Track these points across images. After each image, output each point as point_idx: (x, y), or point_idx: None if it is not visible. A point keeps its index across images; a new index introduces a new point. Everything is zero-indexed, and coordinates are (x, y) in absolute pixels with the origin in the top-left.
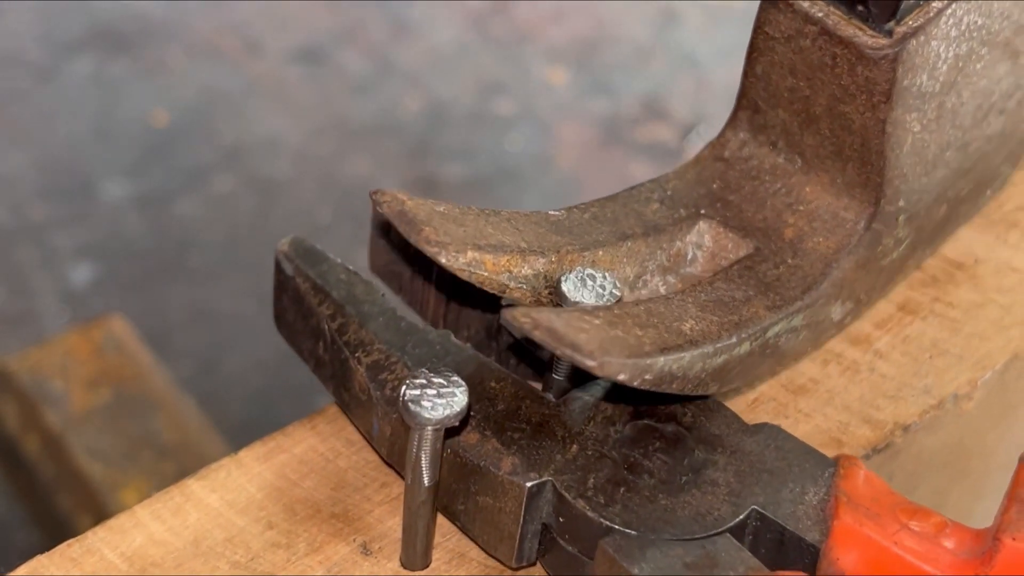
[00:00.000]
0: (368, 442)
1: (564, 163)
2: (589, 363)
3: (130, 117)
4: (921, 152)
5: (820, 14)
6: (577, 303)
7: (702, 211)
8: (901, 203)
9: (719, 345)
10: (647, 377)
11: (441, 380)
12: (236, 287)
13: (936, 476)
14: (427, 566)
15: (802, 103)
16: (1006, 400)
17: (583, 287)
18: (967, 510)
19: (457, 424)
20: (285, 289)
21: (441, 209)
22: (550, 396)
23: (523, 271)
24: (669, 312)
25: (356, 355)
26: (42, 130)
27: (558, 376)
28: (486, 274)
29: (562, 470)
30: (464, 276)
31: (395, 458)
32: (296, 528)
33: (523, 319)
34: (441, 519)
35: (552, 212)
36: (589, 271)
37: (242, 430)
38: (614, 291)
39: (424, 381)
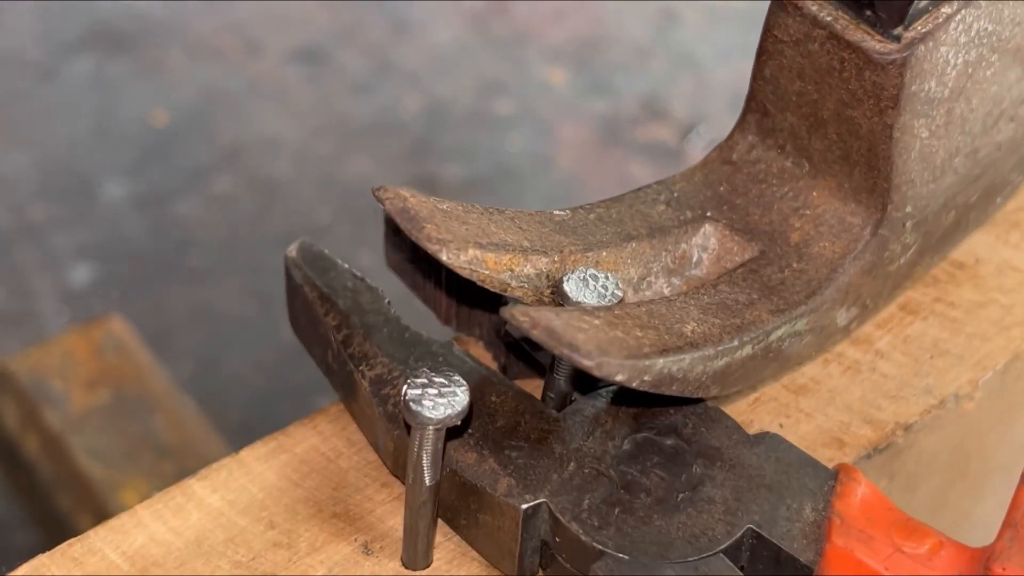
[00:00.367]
0: (376, 453)
1: (564, 163)
2: (587, 363)
3: (130, 117)
4: (929, 158)
5: (828, 18)
6: (579, 303)
7: (708, 213)
8: (908, 209)
9: (720, 348)
10: (646, 378)
11: (442, 380)
12: (236, 287)
13: (937, 476)
14: (428, 566)
15: (810, 107)
16: (1007, 400)
17: (585, 287)
18: (967, 510)
19: (459, 423)
20: (295, 296)
21: (444, 207)
22: (552, 411)
23: (525, 270)
24: (671, 314)
25: (360, 368)
26: (42, 130)
27: (559, 377)
28: (487, 272)
29: (558, 491)
30: (465, 274)
31: (400, 471)
32: (297, 528)
33: (522, 318)
34: (442, 519)
35: (556, 212)
36: (591, 271)
37: (242, 430)
38: (616, 292)
39: (425, 380)
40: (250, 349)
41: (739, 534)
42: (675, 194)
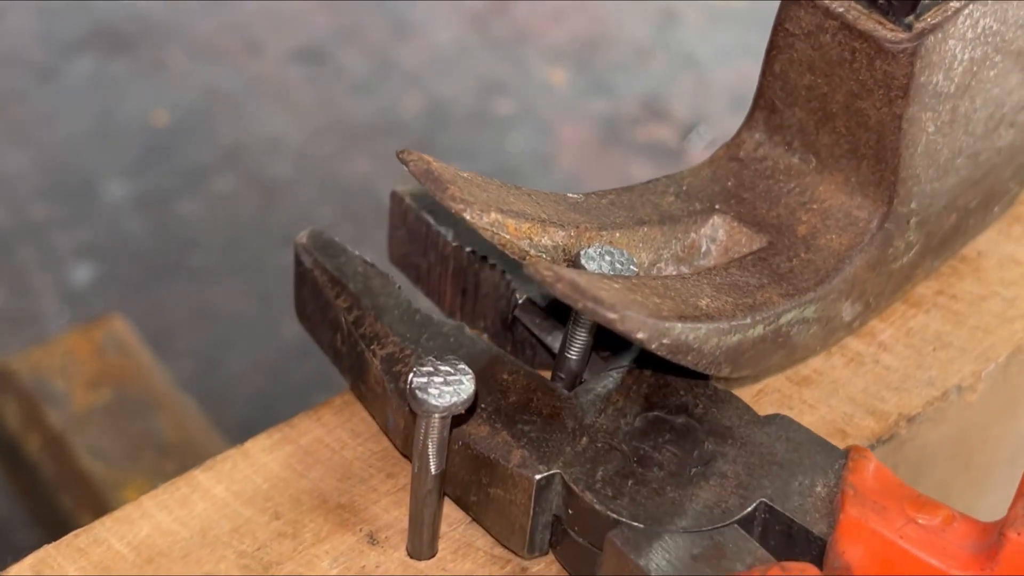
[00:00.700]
0: (385, 434)
1: (564, 163)
2: (611, 315)
3: (130, 117)
4: (934, 155)
5: (841, 9)
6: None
7: (717, 206)
8: (913, 205)
9: (734, 323)
10: (664, 341)
11: (448, 368)
12: (236, 287)
13: (940, 468)
14: (433, 555)
15: (819, 100)
16: (1010, 392)
17: (601, 261)
18: (971, 502)
19: (464, 412)
20: (304, 281)
21: (465, 175)
22: (562, 389)
23: (543, 240)
24: (685, 289)
25: (371, 348)
26: (42, 130)
27: (571, 355)
28: (508, 237)
29: (571, 462)
30: (487, 236)
31: (410, 450)
32: (302, 518)
33: (546, 271)
34: (447, 508)
35: (571, 194)
36: (607, 247)
37: (243, 430)
38: (632, 267)
39: (431, 369)
40: (250, 349)
41: (752, 507)
42: (684, 187)
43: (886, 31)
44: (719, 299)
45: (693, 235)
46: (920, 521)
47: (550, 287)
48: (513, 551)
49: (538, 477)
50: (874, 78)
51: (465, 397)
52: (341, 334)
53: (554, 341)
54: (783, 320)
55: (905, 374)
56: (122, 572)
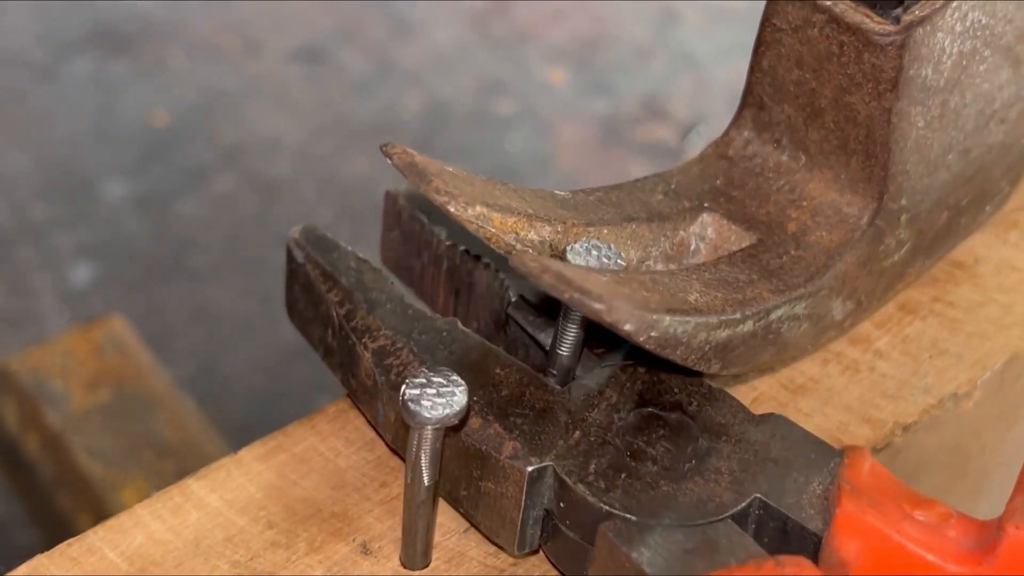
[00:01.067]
0: (374, 428)
1: (564, 163)
2: (597, 306)
3: (130, 117)
4: (924, 151)
5: (828, 2)
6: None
7: (706, 204)
8: (903, 202)
9: (723, 318)
10: (652, 334)
11: (441, 379)
12: (236, 287)
13: (936, 475)
14: (427, 565)
15: (808, 96)
16: (1006, 400)
17: (589, 256)
18: (967, 509)
19: (456, 423)
20: (296, 277)
21: (451, 168)
22: (555, 384)
23: (529, 235)
24: (674, 283)
25: (363, 341)
26: (42, 130)
27: (562, 351)
28: (494, 230)
29: (564, 455)
30: (473, 229)
31: (399, 444)
32: (296, 527)
33: (532, 263)
34: (441, 518)
35: (558, 192)
36: (595, 242)
37: (242, 430)
38: (620, 261)
39: (424, 380)
40: (250, 349)
41: (746, 502)
42: (673, 186)
43: (874, 24)
44: (708, 294)
45: (682, 233)
46: (917, 517)
47: (536, 279)
48: (503, 547)
49: (530, 469)
50: (863, 72)
51: (458, 409)
52: (332, 328)
53: (547, 338)
54: (773, 316)
55: (901, 382)
56: None
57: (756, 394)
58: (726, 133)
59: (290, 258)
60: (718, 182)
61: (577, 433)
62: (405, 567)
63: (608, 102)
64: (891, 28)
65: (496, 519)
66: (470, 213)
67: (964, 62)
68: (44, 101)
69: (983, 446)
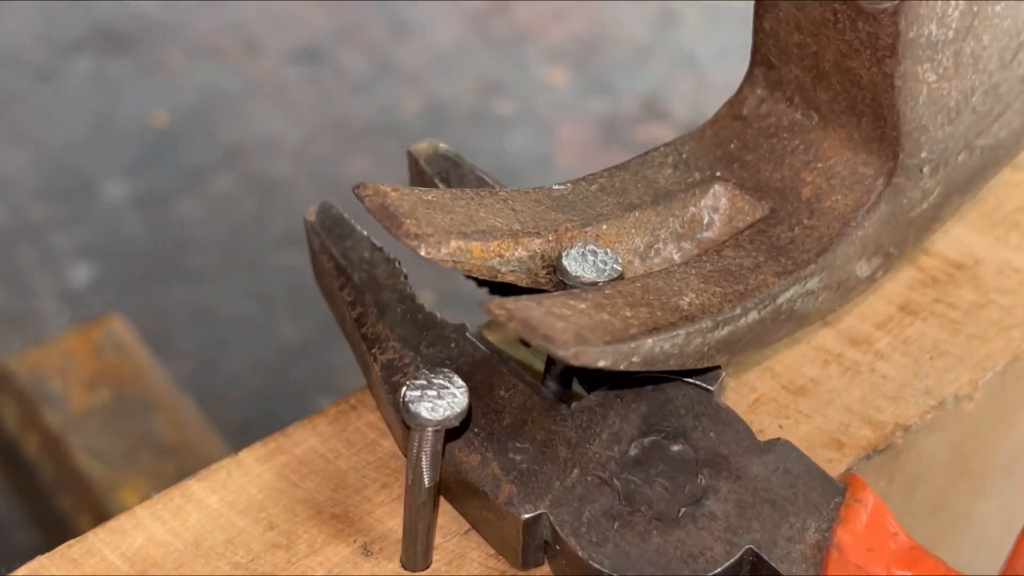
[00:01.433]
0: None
1: (564, 163)
2: (562, 353)
3: (130, 117)
4: (940, 101)
5: None
6: (578, 278)
7: (718, 173)
8: (924, 155)
9: (720, 318)
10: (634, 360)
11: (441, 381)
12: (236, 287)
13: (937, 477)
14: (428, 567)
15: (811, 59)
16: (1006, 401)
17: (584, 262)
18: (967, 511)
19: (458, 424)
20: (315, 260)
21: (429, 197)
22: (561, 407)
23: (516, 253)
24: (668, 287)
25: (373, 351)
26: (42, 130)
27: (549, 381)
28: (474, 262)
29: (559, 501)
30: (448, 267)
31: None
32: (297, 529)
33: (497, 311)
34: (442, 520)
35: (556, 186)
36: (591, 247)
37: (242, 430)
38: (615, 267)
39: (425, 382)
40: (250, 349)
41: (737, 556)
42: (684, 155)
43: None
44: (706, 292)
45: (693, 208)
46: None
47: (505, 324)
48: (510, 564)
49: (525, 517)
50: (859, 39)
51: (459, 411)
52: (347, 323)
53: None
54: (781, 300)
55: (902, 383)
56: None
57: (756, 395)
58: (739, 91)
59: (309, 241)
60: (732, 146)
61: (575, 471)
62: (406, 568)
63: (608, 102)
64: None
65: (500, 542)
66: (443, 252)
67: (975, 8)
68: (44, 101)
69: (984, 447)
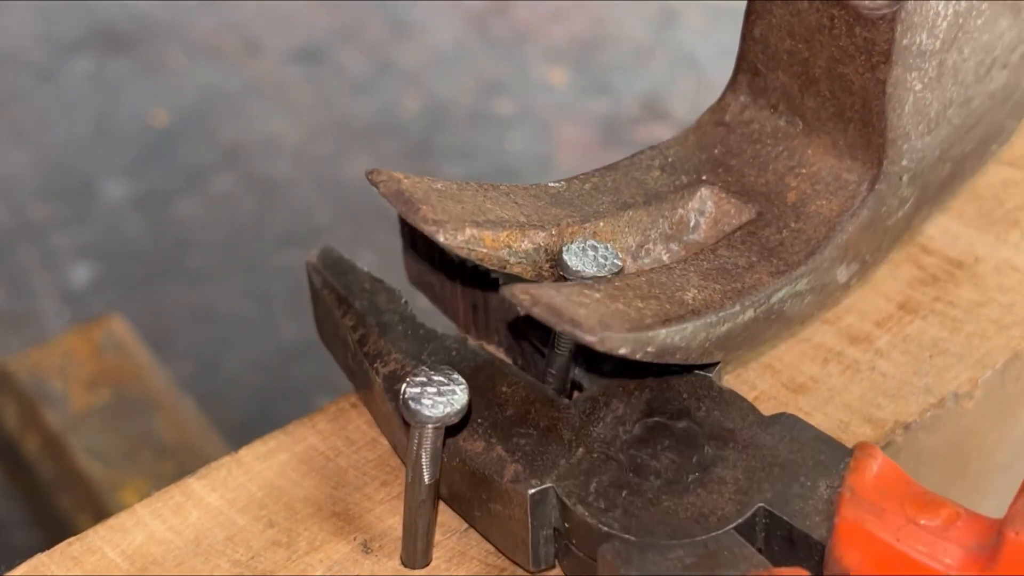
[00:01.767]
0: (395, 451)
1: (564, 163)
2: (589, 339)
3: (130, 117)
4: (923, 111)
5: None
6: (579, 273)
7: (703, 177)
8: (904, 163)
9: (722, 314)
10: (649, 350)
11: (441, 378)
12: (236, 287)
13: (936, 475)
14: (427, 564)
15: (801, 65)
16: (1006, 399)
17: (584, 257)
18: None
19: (457, 421)
20: (318, 302)
21: (439, 187)
22: (563, 399)
23: (523, 245)
24: (671, 282)
25: (375, 365)
26: (42, 130)
27: (560, 352)
28: (485, 251)
29: (565, 475)
30: (463, 254)
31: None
32: (296, 527)
33: (522, 296)
34: (442, 517)
35: (552, 184)
36: (591, 242)
37: (242, 430)
38: (615, 262)
39: (424, 379)
40: (250, 349)
41: (750, 512)
42: (669, 159)
43: None
44: (707, 288)
45: (680, 211)
46: (921, 522)
47: (528, 311)
48: (520, 564)
49: (531, 492)
50: (855, 44)
51: (458, 407)
52: (350, 352)
53: (543, 338)
54: (774, 299)
55: (902, 381)
56: None
57: (757, 393)
58: (722, 98)
59: (310, 282)
60: (716, 151)
61: (580, 450)
62: (406, 566)
63: (608, 102)
64: (881, 3)
65: (509, 539)
66: (459, 239)
67: (960, 20)
68: (44, 101)
69: (983, 445)
